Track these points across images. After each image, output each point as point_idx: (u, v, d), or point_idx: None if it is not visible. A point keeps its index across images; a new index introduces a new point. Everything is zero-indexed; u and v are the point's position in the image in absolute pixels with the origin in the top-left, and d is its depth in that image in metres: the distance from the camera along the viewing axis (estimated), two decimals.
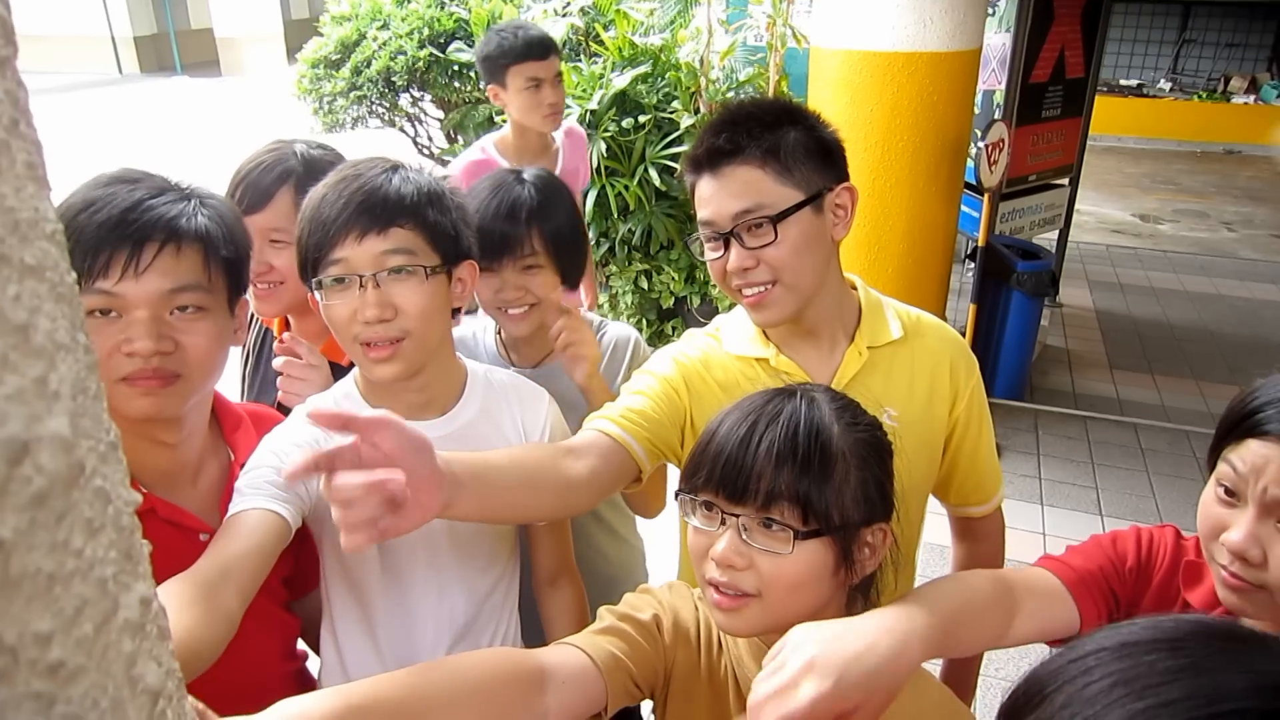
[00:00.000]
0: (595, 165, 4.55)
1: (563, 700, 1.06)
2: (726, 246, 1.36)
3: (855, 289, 1.50)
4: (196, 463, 1.37)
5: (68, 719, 0.36)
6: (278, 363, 1.60)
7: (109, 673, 0.41)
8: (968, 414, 1.49)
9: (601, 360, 1.80)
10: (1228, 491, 1.08)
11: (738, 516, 1.05)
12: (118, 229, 1.18)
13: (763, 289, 1.36)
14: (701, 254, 1.42)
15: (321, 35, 6.00)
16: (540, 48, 2.87)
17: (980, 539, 1.63)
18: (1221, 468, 1.09)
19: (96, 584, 0.40)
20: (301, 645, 1.60)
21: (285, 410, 1.69)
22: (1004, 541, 1.66)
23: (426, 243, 1.31)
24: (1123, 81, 12.50)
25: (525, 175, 1.73)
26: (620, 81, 4.56)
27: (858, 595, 1.15)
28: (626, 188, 4.56)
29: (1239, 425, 1.07)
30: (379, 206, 1.27)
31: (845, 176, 1.41)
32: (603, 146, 4.53)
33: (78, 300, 0.43)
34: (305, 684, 1.56)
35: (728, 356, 1.46)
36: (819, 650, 0.94)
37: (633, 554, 2.02)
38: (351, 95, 5.82)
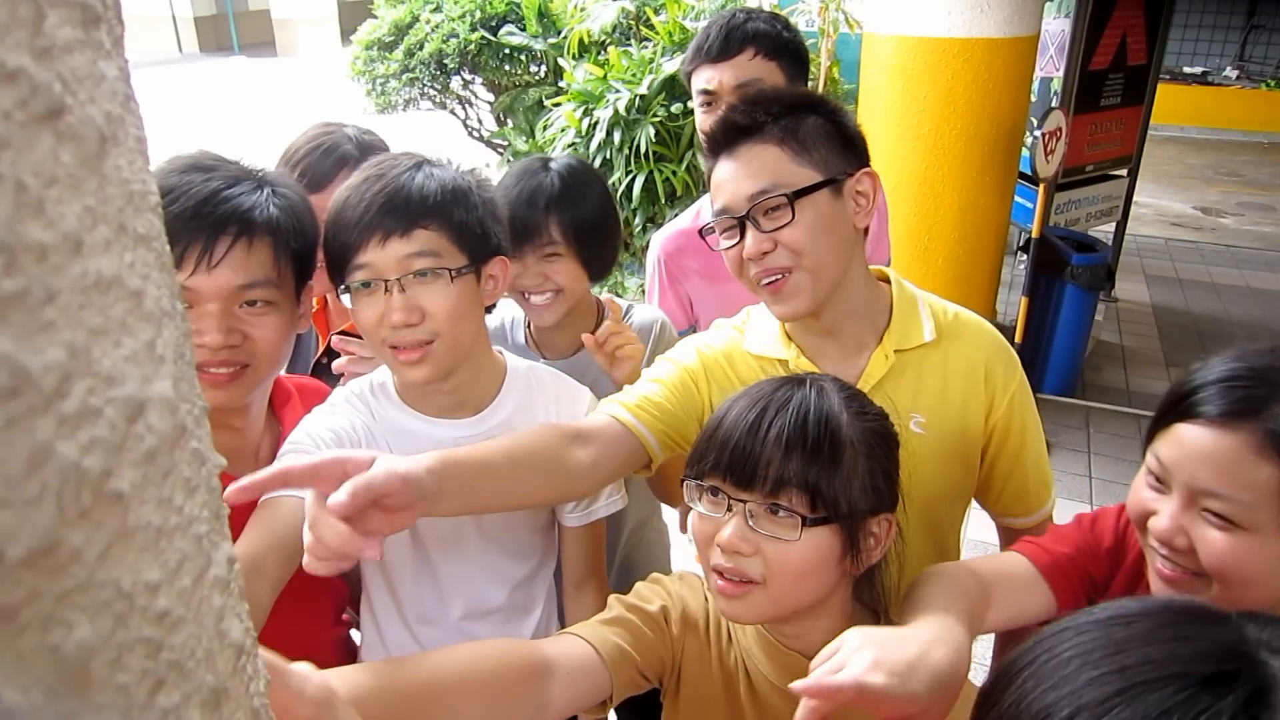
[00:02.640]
0: (644, 150, 4.55)
1: (566, 690, 1.08)
2: (743, 234, 1.32)
3: (888, 282, 1.44)
4: (257, 440, 1.40)
5: (171, 665, 0.38)
6: (339, 364, 1.62)
7: (203, 625, 0.43)
8: (1007, 420, 1.42)
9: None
10: (1157, 479, 1.07)
11: (745, 502, 1.06)
12: (193, 220, 1.19)
13: (781, 275, 1.31)
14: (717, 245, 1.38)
15: (375, 17, 6.06)
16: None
17: None
18: (1150, 457, 1.08)
19: (194, 540, 0.42)
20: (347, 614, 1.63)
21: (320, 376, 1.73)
22: None
23: (452, 243, 1.28)
24: (1187, 69, 12.20)
25: (552, 164, 1.72)
26: (670, 66, 4.55)
27: (864, 586, 1.15)
28: (674, 173, 4.56)
29: (1173, 409, 1.05)
30: (401, 208, 1.25)
31: (866, 163, 1.37)
32: (651, 132, 4.53)
33: (174, 270, 0.46)
34: (350, 650, 1.60)
35: (748, 354, 1.43)
36: (882, 652, 0.94)
37: (657, 541, 2.02)
38: (404, 77, 5.88)
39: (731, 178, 1.32)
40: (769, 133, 1.30)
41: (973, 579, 1.16)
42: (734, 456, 1.06)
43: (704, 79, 1.94)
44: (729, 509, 1.07)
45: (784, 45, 1.94)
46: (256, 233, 1.25)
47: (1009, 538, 1.56)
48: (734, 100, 1.85)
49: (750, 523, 1.05)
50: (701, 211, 2.12)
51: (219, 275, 1.22)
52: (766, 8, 4.70)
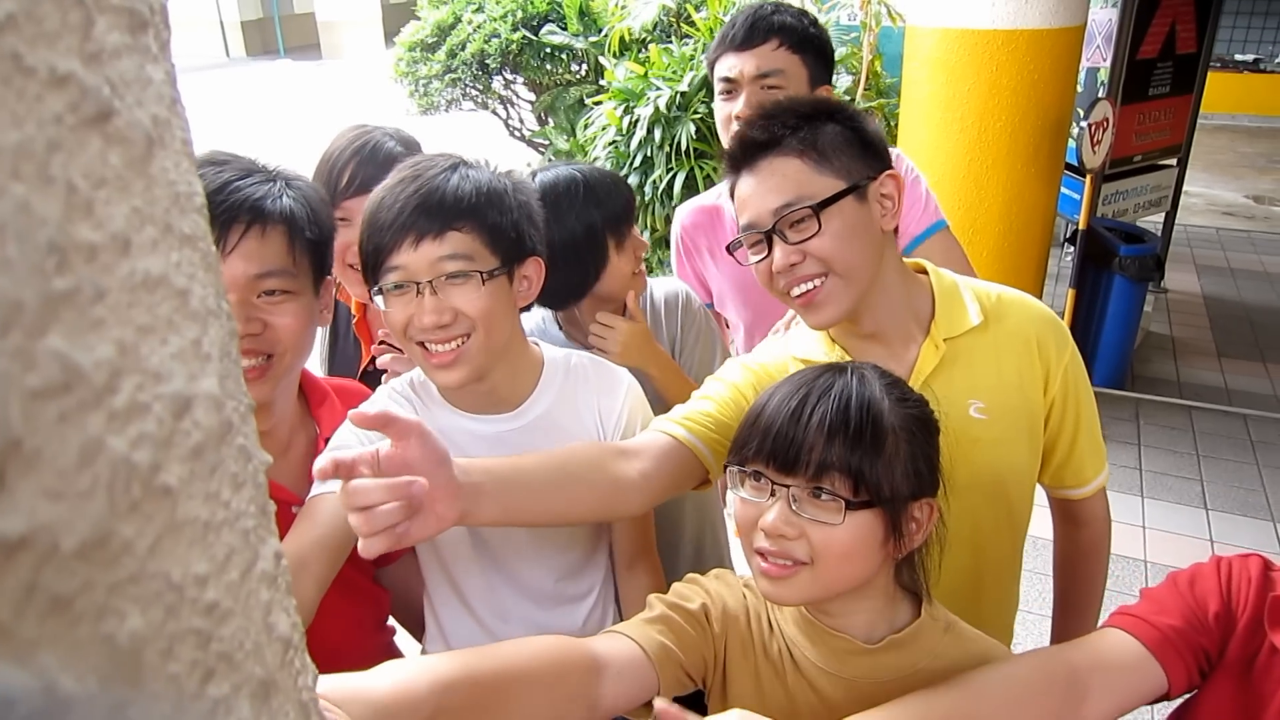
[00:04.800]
0: (685, 147, 4.54)
1: (616, 689, 1.09)
2: (770, 248, 1.32)
3: (926, 273, 1.43)
4: (286, 439, 1.40)
5: (221, 656, 0.39)
6: (383, 360, 1.64)
7: (251, 618, 0.44)
8: (1063, 391, 1.41)
9: (661, 317, 1.82)
10: None
11: (788, 487, 1.07)
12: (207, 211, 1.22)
13: (814, 284, 1.31)
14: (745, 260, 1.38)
15: (418, 19, 6.11)
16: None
17: (1082, 523, 1.55)
18: None
19: (241, 534, 0.43)
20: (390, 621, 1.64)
21: (367, 381, 1.75)
22: (1109, 527, 1.57)
23: (485, 245, 1.28)
24: (1238, 56, 11.91)
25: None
26: None
27: (904, 568, 1.17)
28: (715, 169, 4.54)
29: None
30: (435, 210, 1.25)
31: (888, 165, 1.35)
32: (692, 129, 4.52)
33: (219, 269, 0.46)
34: (393, 658, 1.61)
35: (794, 359, 1.43)
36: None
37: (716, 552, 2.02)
38: (446, 78, 5.92)
39: (754, 193, 1.32)
40: (788, 145, 1.30)
41: (1052, 672, 1.10)
42: (777, 442, 1.08)
43: (726, 67, 1.93)
44: (772, 494, 1.09)
45: (809, 40, 1.91)
46: (269, 222, 1.26)
47: (1064, 511, 1.56)
48: (754, 89, 1.88)
49: (794, 507, 1.07)
50: (724, 189, 2.09)
51: (232, 264, 1.23)
52: (806, 3, 4.68)
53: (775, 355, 1.46)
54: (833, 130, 1.31)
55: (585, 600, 1.51)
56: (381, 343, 1.72)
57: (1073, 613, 1.60)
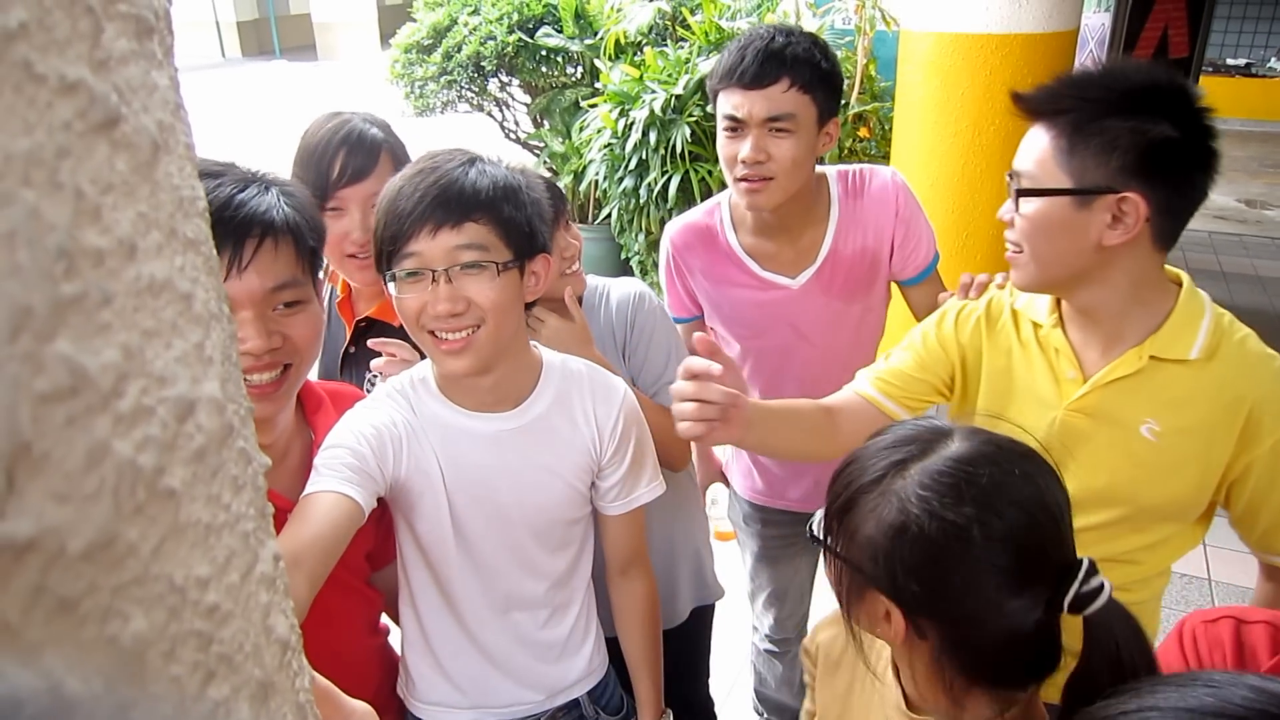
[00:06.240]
0: (680, 150, 4.55)
1: None
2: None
3: (1180, 284, 1.37)
4: (284, 447, 1.40)
5: (221, 658, 0.39)
6: (377, 363, 1.64)
7: (251, 620, 0.44)
8: (1273, 458, 1.32)
9: (612, 318, 1.83)
10: None
11: None
12: (217, 226, 1.20)
13: (1013, 249, 1.36)
14: None
15: (414, 20, 6.11)
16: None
17: None
18: None
19: (241, 537, 0.44)
20: (384, 620, 1.64)
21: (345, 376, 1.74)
22: None
23: (500, 238, 1.31)
24: (1230, 61, 11.96)
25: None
26: (706, 66, 4.54)
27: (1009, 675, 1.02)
28: (710, 172, 4.55)
29: None
30: (454, 201, 1.28)
31: (1155, 188, 1.25)
32: (687, 132, 4.53)
33: (220, 274, 0.47)
34: (388, 659, 1.60)
35: (1009, 306, 1.49)
36: None
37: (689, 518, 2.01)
38: (442, 80, 5.91)
39: (1021, 144, 1.35)
40: (1055, 121, 1.29)
41: None
42: None
43: (732, 104, 1.80)
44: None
45: (821, 77, 1.80)
46: (279, 234, 1.26)
47: (1272, 572, 1.45)
48: (762, 133, 1.77)
49: None
50: (715, 208, 2.04)
51: (249, 279, 1.23)
52: (803, 8, 4.69)
53: (993, 296, 1.53)
54: (1115, 128, 1.24)
55: (571, 608, 1.52)
56: (373, 340, 1.71)
57: None
